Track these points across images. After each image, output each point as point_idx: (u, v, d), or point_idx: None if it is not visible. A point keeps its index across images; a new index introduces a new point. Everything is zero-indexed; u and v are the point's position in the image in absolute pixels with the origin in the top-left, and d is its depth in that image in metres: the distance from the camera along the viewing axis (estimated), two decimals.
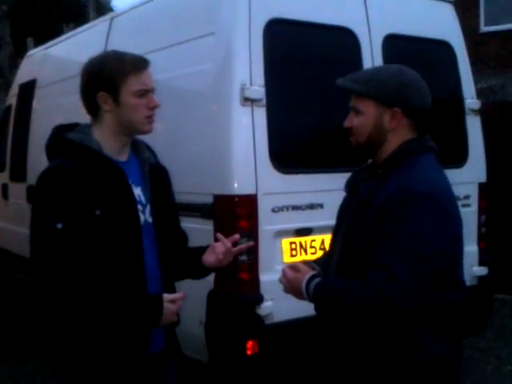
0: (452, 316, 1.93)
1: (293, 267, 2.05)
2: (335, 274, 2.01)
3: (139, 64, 2.04)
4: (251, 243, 2.40)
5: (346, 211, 2.06)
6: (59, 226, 1.88)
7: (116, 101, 2.02)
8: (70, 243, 1.89)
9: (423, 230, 1.77)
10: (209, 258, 2.20)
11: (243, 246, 2.28)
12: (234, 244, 2.22)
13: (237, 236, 2.23)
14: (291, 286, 2.02)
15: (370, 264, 1.81)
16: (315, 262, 2.20)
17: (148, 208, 2.11)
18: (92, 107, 2.07)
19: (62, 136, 2.05)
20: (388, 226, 1.80)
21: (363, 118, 1.95)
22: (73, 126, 2.12)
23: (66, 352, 2.03)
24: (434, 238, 1.78)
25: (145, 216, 2.09)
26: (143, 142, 2.22)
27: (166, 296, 2.00)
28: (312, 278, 1.96)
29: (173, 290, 2.20)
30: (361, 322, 1.85)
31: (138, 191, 2.09)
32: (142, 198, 2.10)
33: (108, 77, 2.00)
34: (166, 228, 2.16)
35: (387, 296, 1.74)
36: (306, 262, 2.14)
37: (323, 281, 1.96)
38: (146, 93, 2.04)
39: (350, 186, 2.11)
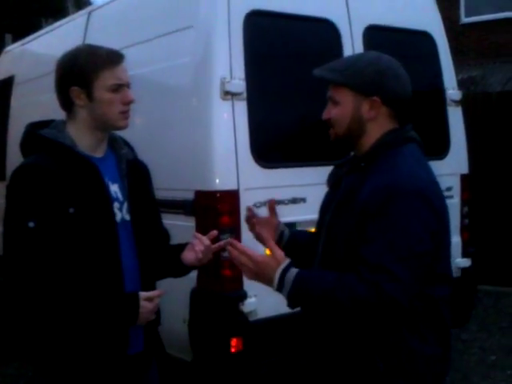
0: (440, 312, 1.88)
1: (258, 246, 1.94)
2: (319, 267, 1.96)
3: (113, 58, 1.99)
4: (230, 240, 2.34)
5: (328, 207, 2.01)
6: (31, 224, 1.85)
7: (89, 96, 1.97)
8: (42, 242, 1.86)
9: (415, 228, 1.73)
10: (188, 257, 2.14)
11: (222, 242, 2.21)
12: (214, 240, 2.16)
13: (215, 232, 2.16)
14: (258, 270, 1.84)
15: (354, 261, 1.76)
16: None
17: (125, 205, 2.06)
18: (66, 103, 2.02)
19: (34, 133, 2.01)
20: (378, 224, 1.74)
21: (341, 108, 1.89)
22: (48, 123, 2.07)
23: (43, 354, 1.99)
24: (424, 235, 1.75)
25: (122, 213, 2.05)
26: (121, 138, 2.17)
27: (143, 294, 1.95)
28: (289, 266, 1.83)
29: (153, 289, 2.14)
30: (350, 319, 1.79)
31: (114, 188, 2.05)
32: (119, 195, 2.05)
33: (80, 71, 1.96)
34: (145, 225, 2.12)
35: (391, 297, 1.69)
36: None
37: (305, 272, 1.84)
38: (120, 87, 1.99)
39: (331, 180, 2.05)
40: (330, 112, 1.93)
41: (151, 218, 2.19)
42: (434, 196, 1.81)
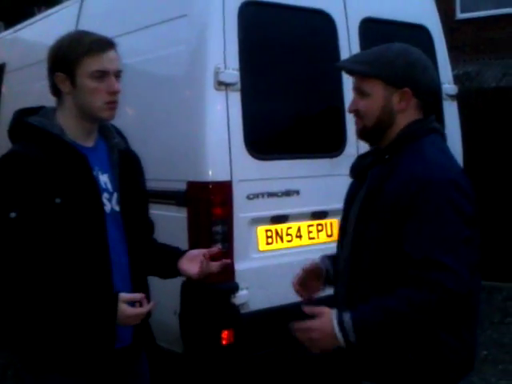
0: (474, 304, 1.89)
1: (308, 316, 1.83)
2: (346, 264, 1.94)
3: (97, 45, 1.94)
4: (228, 261, 2.29)
5: (353, 198, 2.01)
6: (13, 214, 1.80)
7: (73, 83, 1.94)
8: (24, 233, 1.81)
9: (454, 216, 1.74)
10: (189, 269, 2.13)
11: (223, 262, 2.20)
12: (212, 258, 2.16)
13: (216, 249, 2.21)
14: (320, 334, 1.77)
15: (384, 252, 1.76)
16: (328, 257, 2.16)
17: (115, 196, 2.02)
18: (54, 89, 1.99)
19: (22, 120, 1.97)
20: (416, 217, 1.73)
21: (371, 100, 1.90)
22: (37, 110, 2.03)
23: (28, 347, 1.95)
24: (463, 222, 1.75)
25: (111, 204, 2.00)
26: (113, 127, 2.13)
27: (123, 296, 1.88)
28: (339, 312, 1.77)
29: (144, 281, 2.13)
30: (419, 327, 1.76)
31: (104, 178, 2.00)
32: (109, 186, 2.01)
33: (63, 57, 1.93)
34: (135, 216, 2.08)
35: (449, 290, 1.69)
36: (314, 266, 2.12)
37: (359, 308, 1.79)
38: (104, 76, 1.94)
39: (355, 171, 2.05)
40: (358, 104, 1.93)
41: (141, 209, 2.15)
42: (465, 184, 1.82)
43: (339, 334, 1.74)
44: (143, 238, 2.14)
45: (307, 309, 1.82)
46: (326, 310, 1.80)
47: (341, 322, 1.75)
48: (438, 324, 1.78)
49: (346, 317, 1.75)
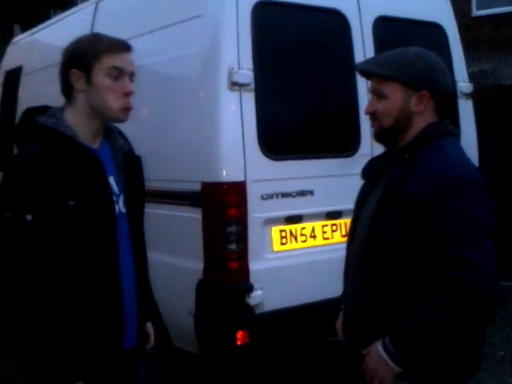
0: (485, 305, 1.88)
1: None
2: (359, 261, 1.95)
3: (116, 45, 1.95)
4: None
5: (366, 198, 2.02)
6: (29, 217, 1.79)
7: (88, 80, 1.93)
8: (39, 235, 1.80)
9: (476, 212, 1.76)
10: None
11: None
12: None
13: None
14: (376, 367, 1.82)
15: (400, 248, 1.78)
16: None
17: (121, 198, 2.02)
18: (66, 87, 1.97)
19: (34, 121, 1.94)
20: (438, 214, 1.75)
21: (389, 101, 1.91)
22: (43, 109, 2.00)
23: (35, 353, 1.87)
24: (486, 216, 1.78)
25: (118, 206, 2.00)
26: (116, 128, 2.12)
27: None
28: (383, 341, 1.82)
29: (146, 283, 2.16)
30: (459, 330, 1.79)
31: (111, 180, 2.00)
32: (115, 188, 2.01)
33: (81, 54, 1.92)
34: (139, 219, 2.10)
35: (477, 285, 1.70)
36: None
37: (396, 334, 1.81)
38: (120, 75, 1.94)
39: (368, 173, 2.07)
40: (375, 105, 1.94)
41: (142, 211, 2.17)
42: (483, 181, 1.85)
43: (390, 362, 1.79)
44: (144, 240, 2.16)
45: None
46: (371, 347, 1.84)
47: (386, 350, 1.79)
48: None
49: (387, 341, 1.79)
